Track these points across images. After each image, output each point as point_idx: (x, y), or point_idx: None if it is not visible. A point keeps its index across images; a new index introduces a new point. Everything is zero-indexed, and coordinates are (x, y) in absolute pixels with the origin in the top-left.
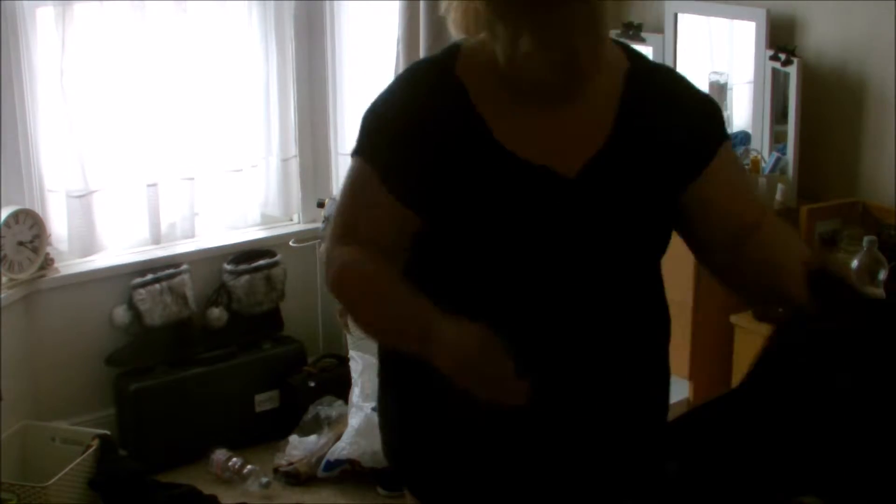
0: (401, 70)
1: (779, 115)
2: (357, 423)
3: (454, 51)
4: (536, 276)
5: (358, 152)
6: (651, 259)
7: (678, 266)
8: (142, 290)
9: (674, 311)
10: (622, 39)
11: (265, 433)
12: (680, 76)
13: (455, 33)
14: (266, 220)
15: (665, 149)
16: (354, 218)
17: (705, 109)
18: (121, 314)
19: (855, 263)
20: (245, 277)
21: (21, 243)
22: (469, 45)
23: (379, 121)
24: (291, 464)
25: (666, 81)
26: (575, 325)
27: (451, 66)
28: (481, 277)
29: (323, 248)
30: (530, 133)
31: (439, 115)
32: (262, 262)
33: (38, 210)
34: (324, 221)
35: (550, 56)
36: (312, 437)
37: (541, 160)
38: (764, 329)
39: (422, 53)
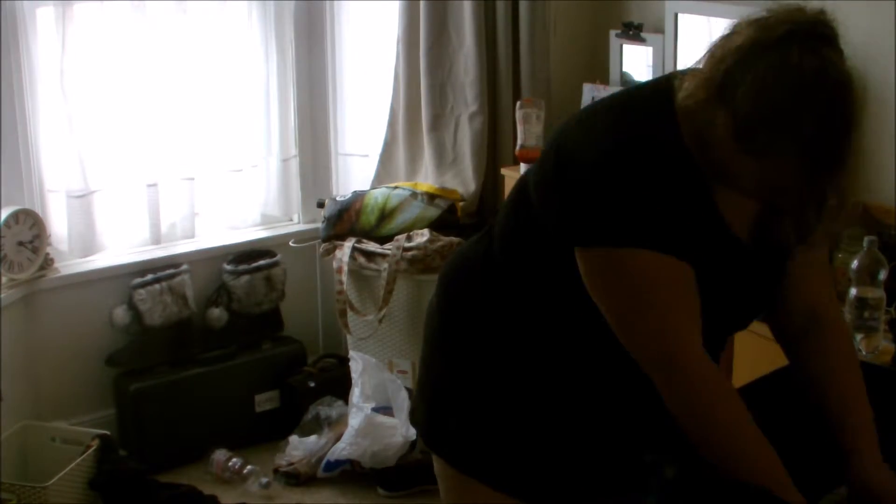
0: (401, 70)
1: None
2: (357, 423)
3: (673, 119)
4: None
5: (628, 241)
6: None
7: None
8: (142, 291)
9: None
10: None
11: (265, 433)
12: None
13: (687, 102)
14: (266, 220)
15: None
16: (673, 309)
17: None
18: (121, 314)
19: (855, 263)
20: (245, 277)
21: (21, 243)
22: (684, 118)
23: (639, 203)
24: (291, 464)
25: None
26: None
27: (683, 144)
28: None
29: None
30: (730, 205)
31: (684, 195)
32: (262, 262)
33: (38, 210)
34: (324, 222)
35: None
36: (312, 438)
37: (739, 231)
38: (764, 329)
39: (422, 53)
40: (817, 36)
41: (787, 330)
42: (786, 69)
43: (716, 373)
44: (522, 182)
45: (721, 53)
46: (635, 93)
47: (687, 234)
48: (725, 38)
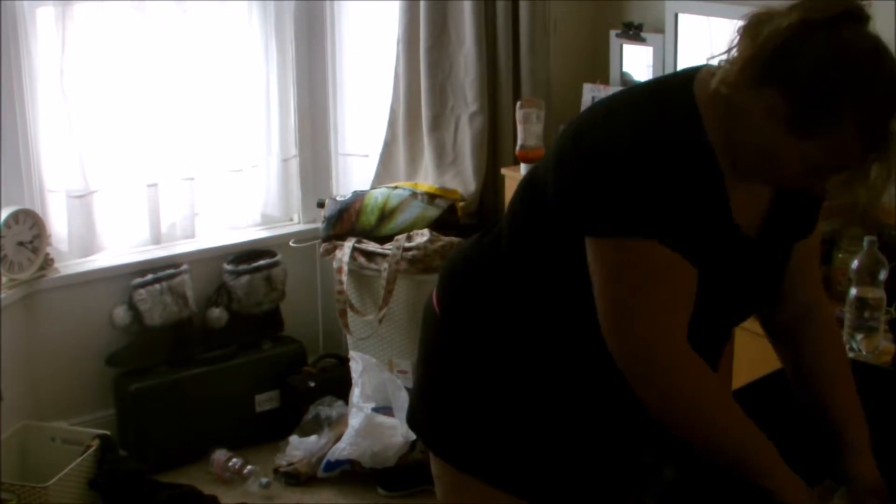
0: (401, 70)
1: None
2: (357, 423)
3: (696, 117)
4: (706, 320)
5: (640, 232)
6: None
7: None
8: (142, 291)
9: None
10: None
11: (265, 433)
12: None
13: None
14: (266, 220)
15: (807, 203)
16: (668, 306)
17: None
18: (121, 314)
19: (855, 263)
20: (245, 277)
21: (21, 243)
22: (710, 112)
23: (656, 198)
24: (292, 464)
25: None
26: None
27: (706, 144)
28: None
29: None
30: (743, 204)
31: (701, 197)
32: (262, 262)
33: (38, 210)
34: (324, 222)
35: (821, 183)
36: (313, 438)
37: (747, 227)
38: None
39: (422, 53)
40: (863, 17)
41: (781, 322)
42: (845, 48)
43: (702, 367)
44: (531, 177)
45: (764, 36)
46: (656, 87)
47: (699, 232)
48: (763, 23)
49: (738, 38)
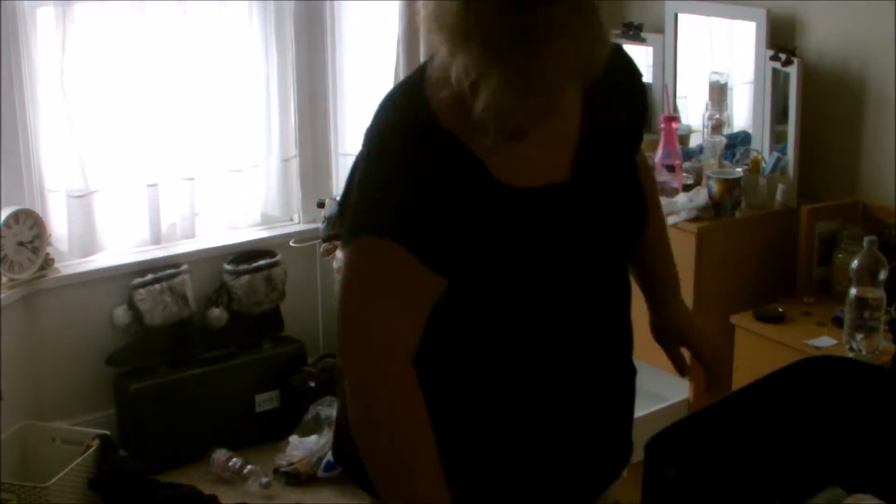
0: (401, 70)
1: (779, 115)
2: None
3: (422, 93)
4: (553, 282)
5: (370, 230)
6: (636, 238)
7: (679, 267)
8: (142, 290)
9: None
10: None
11: (265, 433)
12: (621, 51)
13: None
14: (266, 220)
15: (623, 128)
16: (383, 307)
17: (642, 87)
18: (121, 314)
19: (855, 263)
20: (245, 277)
21: (21, 243)
22: (434, 82)
23: (385, 192)
24: (292, 464)
25: (614, 58)
26: (581, 317)
27: (433, 118)
28: (505, 305)
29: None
30: (520, 158)
31: (443, 174)
32: (262, 262)
33: (38, 210)
34: (324, 221)
35: (538, 105)
36: (313, 438)
37: (537, 180)
38: (764, 329)
39: (422, 53)
40: None
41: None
42: None
43: (402, 386)
44: None
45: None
46: (396, 88)
47: (452, 212)
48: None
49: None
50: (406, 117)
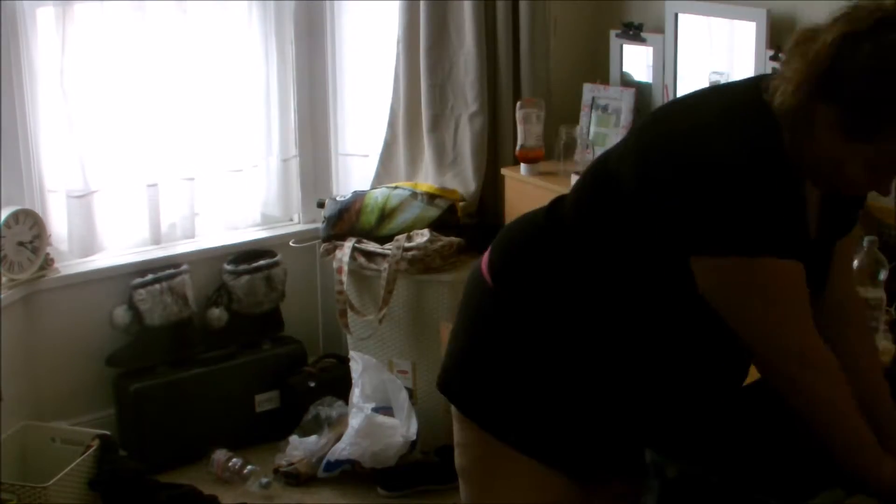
0: (401, 70)
1: None
2: (357, 423)
3: (777, 128)
4: None
5: (771, 251)
6: None
7: None
8: (142, 291)
9: None
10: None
11: (265, 433)
12: None
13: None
14: (266, 221)
15: (848, 202)
16: (803, 311)
17: None
18: (121, 314)
19: (855, 263)
20: (245, 277)
21: (21, 243)
22: (788, 129)
23: (764, 214)
24: (292, 464)
25: None
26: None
27: (784, 151)
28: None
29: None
30: (811, 207)
31: (798, 205)
32: (262, 262)
33: (38, 210)
34: (324, 222)
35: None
36: (313, 438)
37: (813, 232)
38: None
39: (422, 53)
40: None
41: (817, 320)
42: (889, 55)
43: (837, 367)
44: (602, 163)
45: (813, 54)
46: (731, 97)
47: (794, 238)
48: (809, 40)
49: (788, 56)
50: (767, 143)
